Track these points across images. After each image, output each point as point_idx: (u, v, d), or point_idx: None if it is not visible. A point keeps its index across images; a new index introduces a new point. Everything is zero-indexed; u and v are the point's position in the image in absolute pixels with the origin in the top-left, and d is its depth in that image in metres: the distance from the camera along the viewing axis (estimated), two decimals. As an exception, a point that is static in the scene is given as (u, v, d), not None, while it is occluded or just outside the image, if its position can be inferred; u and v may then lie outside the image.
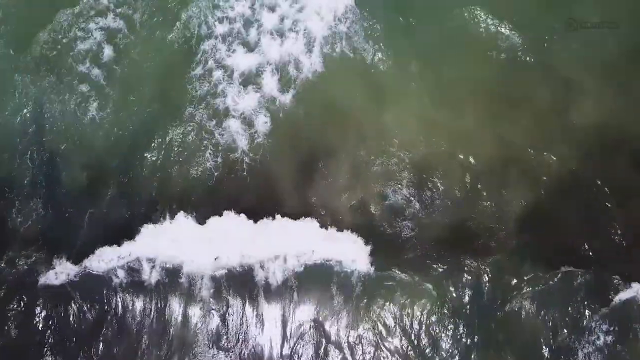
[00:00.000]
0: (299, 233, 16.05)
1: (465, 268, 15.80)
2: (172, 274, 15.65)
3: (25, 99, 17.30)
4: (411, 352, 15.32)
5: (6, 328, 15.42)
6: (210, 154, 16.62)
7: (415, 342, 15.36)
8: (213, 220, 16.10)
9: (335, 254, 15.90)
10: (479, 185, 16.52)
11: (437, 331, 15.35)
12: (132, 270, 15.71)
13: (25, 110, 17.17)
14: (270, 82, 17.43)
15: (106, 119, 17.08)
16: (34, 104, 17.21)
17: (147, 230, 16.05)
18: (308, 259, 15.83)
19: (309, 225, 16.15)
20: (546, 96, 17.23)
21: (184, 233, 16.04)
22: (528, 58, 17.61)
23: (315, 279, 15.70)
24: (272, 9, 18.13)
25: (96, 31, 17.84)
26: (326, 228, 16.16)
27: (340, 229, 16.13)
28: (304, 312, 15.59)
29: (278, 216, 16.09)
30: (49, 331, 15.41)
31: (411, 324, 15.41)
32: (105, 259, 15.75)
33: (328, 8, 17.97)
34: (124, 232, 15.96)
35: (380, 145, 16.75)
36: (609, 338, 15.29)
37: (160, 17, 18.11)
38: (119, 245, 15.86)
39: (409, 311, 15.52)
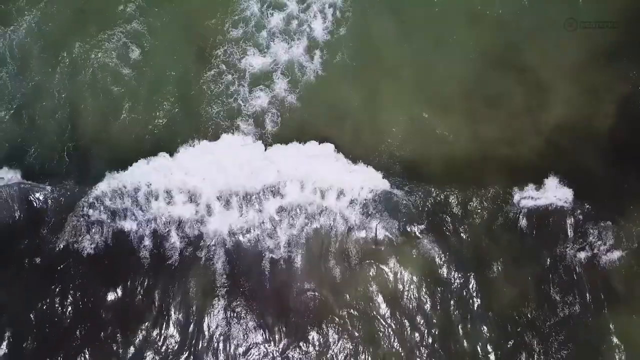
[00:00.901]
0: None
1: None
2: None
3: (62, 99, 18.66)
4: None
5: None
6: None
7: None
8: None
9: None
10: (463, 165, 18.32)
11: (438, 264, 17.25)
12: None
13: (61, 112, 18.57)
14: (279, 84, 18.81)
15: (136, 119, 18.50)
16: (70, 104, 18.71)
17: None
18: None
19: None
20: (521, 95, 18.79)
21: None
22: (506, 59, 19.11)
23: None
24: (280, 9, 19.50)
25: (122, 34, 19.16)
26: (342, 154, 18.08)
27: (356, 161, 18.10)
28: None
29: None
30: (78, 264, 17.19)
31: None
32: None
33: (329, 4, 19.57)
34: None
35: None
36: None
37: (178, 24, 19.39)
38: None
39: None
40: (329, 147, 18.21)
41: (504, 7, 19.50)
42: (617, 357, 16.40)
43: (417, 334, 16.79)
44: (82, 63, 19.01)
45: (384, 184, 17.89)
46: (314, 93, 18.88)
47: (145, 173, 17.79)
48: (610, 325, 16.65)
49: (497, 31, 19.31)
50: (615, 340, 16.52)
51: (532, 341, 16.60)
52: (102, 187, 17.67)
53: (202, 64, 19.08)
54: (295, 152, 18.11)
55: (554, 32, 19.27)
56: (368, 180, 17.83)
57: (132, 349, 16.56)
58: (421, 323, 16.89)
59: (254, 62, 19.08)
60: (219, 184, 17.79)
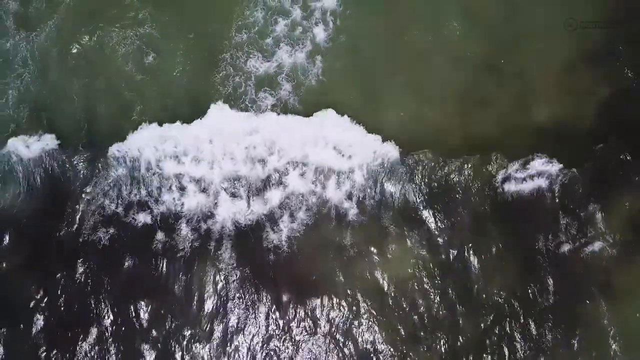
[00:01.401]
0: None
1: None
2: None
3: (81, 103, 19.51)
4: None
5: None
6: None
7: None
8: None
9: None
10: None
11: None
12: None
13: (79, 113, 19.43)
14: (284, 86, 19.57)
15: (146, 120, 19.30)
16: (87, 106, 19.57)
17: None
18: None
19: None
20: (508, 95, 19.58)
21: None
22: (494, 62, 20.01)
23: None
24: (284, 15, 20.33)
25: (136, 37, 19.99)
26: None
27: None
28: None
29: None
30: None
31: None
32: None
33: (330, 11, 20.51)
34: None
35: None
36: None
37: (187, 29, 20.22)
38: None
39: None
40: (331, 112, 19.08)
41: (499, 9, 20.52)
42: (604, 342, 16.93)
43: (416, 317, 17.39)
44: (96, 63, 19.95)
45: (388, 151, 18.68)
46: (316, 95, 19.67)
47: (152, 141, 18.67)
48: (600, 312, 17.13)
49: (491, 32, 20.25)
50: (604, 326, 17.06)
51: (524, 327, 17.13)
52: (112, 159, 18.61)
53: (211, 67, 19.95)
54: (298, 123, 19.02)
55: (547, 33, 20.23)
56: (372, 151, 18.67)
57: (137, 337, 17.21)
58: (420, 307, 17.46)
59: (260, 66, 19.91)
60: (226, 170, 18.57)
